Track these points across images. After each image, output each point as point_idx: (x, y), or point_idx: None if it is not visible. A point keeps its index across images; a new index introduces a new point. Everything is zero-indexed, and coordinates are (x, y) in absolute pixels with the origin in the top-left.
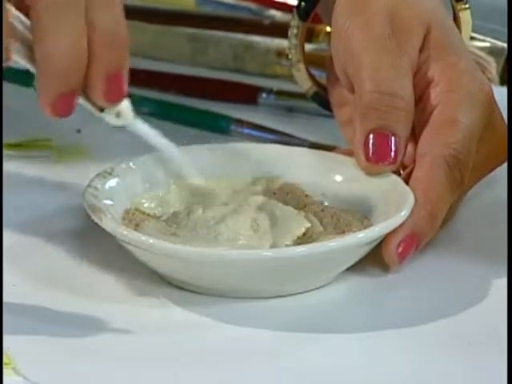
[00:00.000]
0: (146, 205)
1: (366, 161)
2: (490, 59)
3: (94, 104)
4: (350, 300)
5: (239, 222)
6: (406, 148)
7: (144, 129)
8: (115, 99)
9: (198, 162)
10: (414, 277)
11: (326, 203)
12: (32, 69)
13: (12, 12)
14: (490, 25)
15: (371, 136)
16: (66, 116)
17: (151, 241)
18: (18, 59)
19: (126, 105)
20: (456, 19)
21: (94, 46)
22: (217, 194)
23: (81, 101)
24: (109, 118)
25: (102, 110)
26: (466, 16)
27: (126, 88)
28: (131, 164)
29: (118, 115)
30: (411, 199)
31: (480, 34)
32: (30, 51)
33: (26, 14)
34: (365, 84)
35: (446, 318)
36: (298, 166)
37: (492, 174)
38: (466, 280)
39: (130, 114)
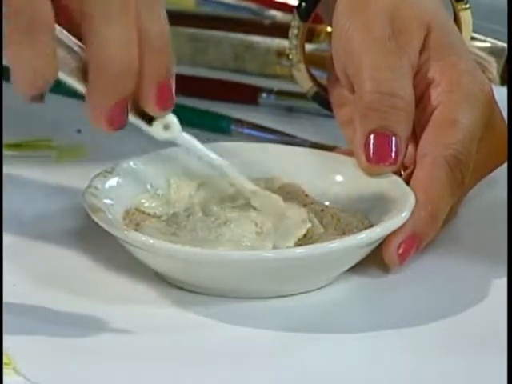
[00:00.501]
0: (146, 204)
1: (366, 161)
2: (491, 59)
3: (143, 117)
4: (350, 300)
5: (241, 223)
6: (406, 148)
7: (192, 142)
8: (167, 106)
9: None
10: (415, 277)
11: (327, 203)
12: (79, 86)
13: (57, 26)
14: (490, 25)
15: (372, 136)
16: (121, 128)
17: (151, 241)
18: (65, 77)
19: (173, 118)
20: (456, 19)
21: (144, 51)
22: (217, 194)
23: (130, 116)
24: (157, 131)
25: (150, 123)
26: (466, 16)
27: (174, 96)
28: (131, 163)
29: (166, 128)
30: (412, 200)
31: (480, 34)
32: (77, 68)
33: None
34: (365, 84)
35: (446, 318)
36: (299, 165)
37: (492, 174)
38: (467, 280)
39: (177, 127)
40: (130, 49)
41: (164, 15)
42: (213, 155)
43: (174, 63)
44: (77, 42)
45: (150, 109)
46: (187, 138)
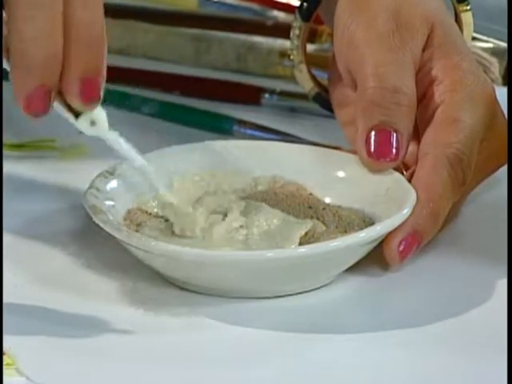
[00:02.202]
0: (148, 204)
1: (367, 157)
2: (493, 60)
3: (69, 109)
4: (351, 299)
5: (245, 222)
6: (408, 144)
7: (118, 141)
8: (92, 101)
9: (200, 159)
10: (415, 276)
11: (328, 201)
12: (6, 63)
13: None
14: (492, 25)
15: (373, 132)
16: (42, 114)
17: (152, 243)
18: None
19: (101, 113)
20: (458, 20)
21: (70, 41)
22: (219, 194)
23: (56, 106)
24: (83, 125)
25: (77, 116)
26: (467, 18)
27: (101, 91)
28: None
29: (92, 123)
30: (413, 198)
31: (483, 34)
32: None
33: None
34: (368, 80)
35: (447, 318)
36: (300, 163)
37: (494, 173)
38: (468, 280)
39: (105, 124)
40: (50, 40)
41: (99, 10)
42: (136, 156)
43: (105, 57)
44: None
45: (74, 103)
46: (112, 136)
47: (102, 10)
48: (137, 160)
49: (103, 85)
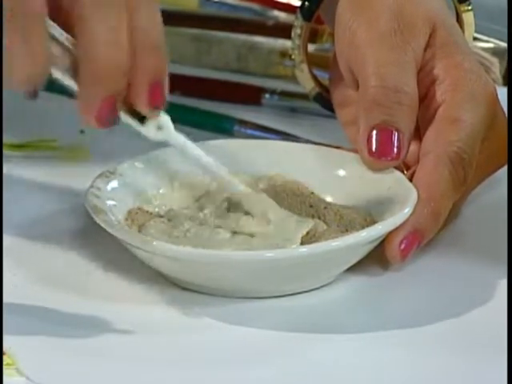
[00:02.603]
0: (149, 204)
1: (369, 156)
2: (494, 60)
3: (135, 117)
4: (351, 299)
5: (246, 223)
6: (409, 144)
7: (185, 143)
8: (158, 105)
9: None
10: (416, 276)
11: (329, 200)
12: (71, 83)
13: (50, 23)
14: (492, 25)
15: (375, 131)
16: (112, 125)
17: (154, 243)
18: (58, 75)
19: (166, 118)
20: (459, 21)
21: (136, 50)
22: (221, 193)
23: (121, 115)
24: (150, 131)
25: (142, 122)
26: (469, 18)
27: (166, 96)
28: (134, 163)
29: (159, 128)
30: (414, 197)
31: (483, 34)
32: (70, 66)
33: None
34: (369, 79)
35: (448, 318)
36: (301, 162)
37: (495, 173)
38: (469, 279)
39: (170, 128)
40: (118, 48)
41: (158, 14)
42: (206, 157)
43: (168, 62)
44: (70, 38)
45: (141, 108)
46: (180, 139)
47: (159, 14)
48: (207, 162)
49: (167, 90)
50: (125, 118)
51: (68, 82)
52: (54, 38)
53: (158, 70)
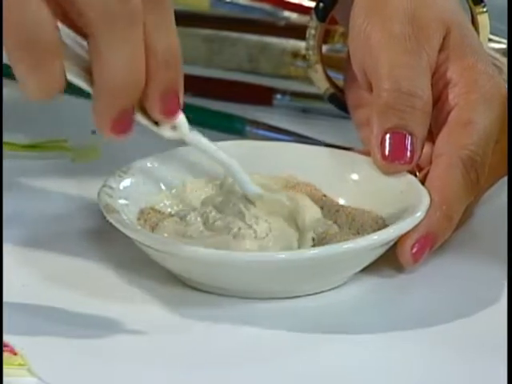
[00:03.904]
0: (161, 204)
1: (382, 159)
2: (505, 60)
3: (149, 119)
4: (363, 301)
5: (258, 223)
6: (422, 148)
7: (201, 141)
8: (171, 115)
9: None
10: (429, 278)
11: (342, 202)
12: (87, 88)
13: (62, 28)
14: (504, 26)
15: (388, 135)
16: (127, 133)
17: (165, 242)
18: (72, 78)
19: (181, 118)
20: (474, 22)
21: (151, 66)
22: (233, 193)
23: (137, 117)
24: (165, 131)
25: (157, 124)
26: (483, 19)
27: (181, 105)
28: (146, 163)
29: (173, 128)
30: (427, 200)
31: (495, 35)
32: (84, 70)
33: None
34: (383, 83)
35: (461, 320)
36: (314, 164)
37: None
38: (482, 281)
39: (185, 127)
40: (134, 68)
41: (173, 27)
42: (222, 154)
43: (182, 76)
44: (84, 43)
45: (156, 117)
46: (196, 137)
47: (176, 32)
48: (223, 159)
49: (182, 99)
50: (140, 119)
51: (83, 85)
52: (67, 47)
53: (173, 85)
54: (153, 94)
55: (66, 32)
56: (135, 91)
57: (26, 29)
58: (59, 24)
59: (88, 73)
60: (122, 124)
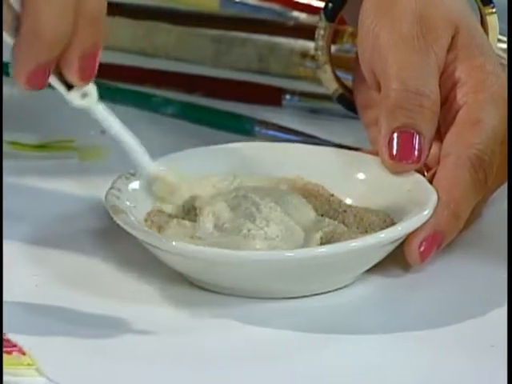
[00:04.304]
0: (167, 206)
1: (389, 159)
2: None
3: (62, 82)
4: (371, 300)
5: (264, 222)
6: (430, 147)
7: (105, 113)
8: (88, 78)
9: (221, 161)
10: (436, 277)
11: (349, 202)
12: (7, 37)
13: None
14: (502, 24)
15: (396, 134)
16: (40, 88)
17: (173, 243)
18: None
19: (92, 87)
20: (483, 23)
21: (79, 21)
22: (240, 193)
23: (51, 78)
24: (75, 98)
25: (69, 88)
26: (493, 20)
27: (96, 69)
28: (154, 165)
29: (83, 96)
30: (434, 198)
31: (503, 35)
32: (12, 20)
33: None
34: (391, 82)
35: (468, 320)
36: (321, 164)
37: None
38: (489, 282)
39: (94, 97)
40: (63, 20)
41: None
42: (123, 132)
43: (104, 36)
44: None
45: (71, 77)
46: (102, 110)
47: None
48: (121, 132)
49: (97, 64)
50: (53, 81)
51: (5, 36)
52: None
53: (93, 44)
54: (74, 52)
55: None
56: (59, 45)
57: None
58: None
59: (14, 25)
60: (38, 78)
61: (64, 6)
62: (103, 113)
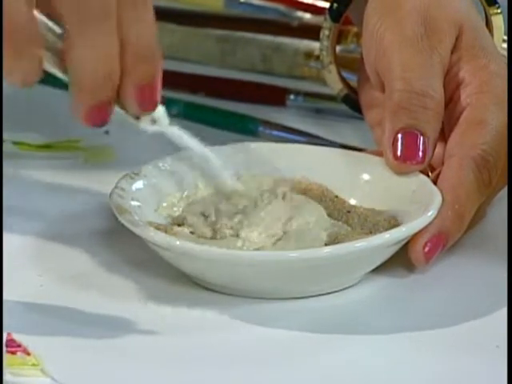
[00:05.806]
0: (173, 206)
1: (394, 159)
2: None
3: (129, 112)
4: (375, 301)
5: (269, 223)
6: (434, 148)
7: (180, 134)
8: (148, 109)
9: (225, 162)
10: (441, 278)
11: (354, 203)
12: (64, 78)
13: (39, 19)
14: None
15: (400, 135)
16: (102, 125)
17: (178, 242)
18: (49, 68)
19: (160, 111)
20: (488, 24)
21: (125, 60)
22: (244, 195)
23: (117, 109)
24: (144, 124)
25: (137, 117)
26: (498, 21)
27: (158, 98)
28: (159, 165)
29: (153, 121)
30: (439, 199)
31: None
32: (62, 60)
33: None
34: (396, 83)
35: (473, 320)
36: (325, 165)
37: None
38: (494, 282)
39: (165, 120)
40: (108, 61)
41: (151, 14)
42: (203, 149)
43: (160, 68)
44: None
45: (133, 110)
46: (175, 131)
47: (154, 21)
48: (200, 151)
49: (159, 92)
50: (120, 112)
51: (60, 75)
52: (45, 38)
53: (149, 76)
54: (128, 88)
55: (43, 21)
56: (108, 84)
57: (5, 19)
58: (37, 13)
59: (63, 65)
60: (97, 115)
61: (104, 48)
62: (178, 134)
